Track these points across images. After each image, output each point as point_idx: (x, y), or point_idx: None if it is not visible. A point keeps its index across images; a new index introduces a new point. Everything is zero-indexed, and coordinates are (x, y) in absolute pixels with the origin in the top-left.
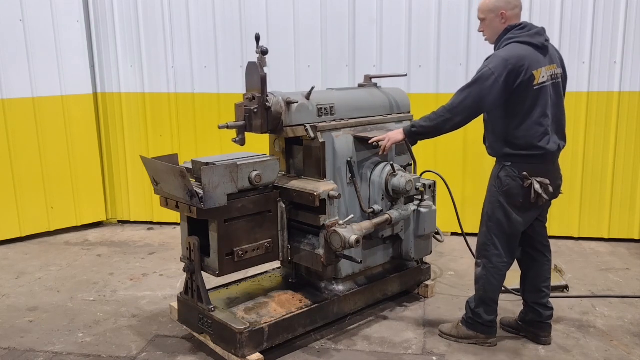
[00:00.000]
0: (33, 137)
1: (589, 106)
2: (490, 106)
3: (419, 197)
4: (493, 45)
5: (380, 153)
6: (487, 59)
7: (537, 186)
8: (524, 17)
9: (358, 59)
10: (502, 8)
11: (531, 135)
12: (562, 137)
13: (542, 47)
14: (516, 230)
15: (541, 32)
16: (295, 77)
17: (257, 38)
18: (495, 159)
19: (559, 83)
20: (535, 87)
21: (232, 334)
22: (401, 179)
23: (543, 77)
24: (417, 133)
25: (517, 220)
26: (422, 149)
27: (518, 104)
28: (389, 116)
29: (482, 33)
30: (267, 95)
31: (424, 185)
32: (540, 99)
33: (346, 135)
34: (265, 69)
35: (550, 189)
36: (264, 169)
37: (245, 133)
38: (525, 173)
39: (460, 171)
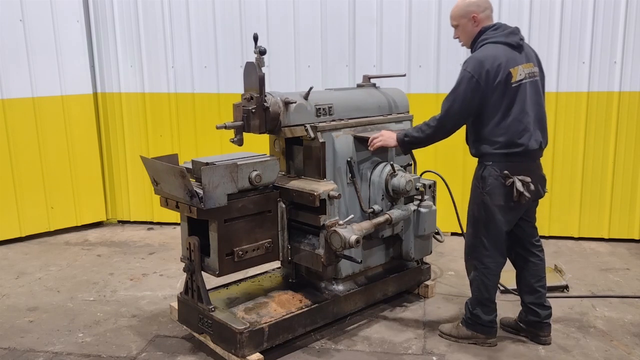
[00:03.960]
0: (33, 137)
1: (589, 106)
2: (477, 107)
3: (419, 197)
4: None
5: (371, 150)
6: (464, 63)
7: (518, 184)
8: (523, 18)
9: (358, 59)
10: (473, 12)
11: (511, 133)
12: (544, 135)
13: (517, 46)
14: (501, 230)
15: (515, 31)
16: (295, 77)
17: (255, 38)
18: (477, 159)
19: (537, 81)
20: (513, 85)
21: (232, 334)
22: (401, 179)
23: (520, 75)
24: (410, 142)
25: (501, 220)
26: (422, 149)
27: (497, 102)
28: (389, 116)
29: (458, 40)
30: (265, 95)
31: (424, 185)
32: (519, 96)
33: (346, 135)
34: (265, 69)
35: (532, 187)
36: (264, 169)
37: (245, 133)
38: (506, 172)
39: (460, 171)
